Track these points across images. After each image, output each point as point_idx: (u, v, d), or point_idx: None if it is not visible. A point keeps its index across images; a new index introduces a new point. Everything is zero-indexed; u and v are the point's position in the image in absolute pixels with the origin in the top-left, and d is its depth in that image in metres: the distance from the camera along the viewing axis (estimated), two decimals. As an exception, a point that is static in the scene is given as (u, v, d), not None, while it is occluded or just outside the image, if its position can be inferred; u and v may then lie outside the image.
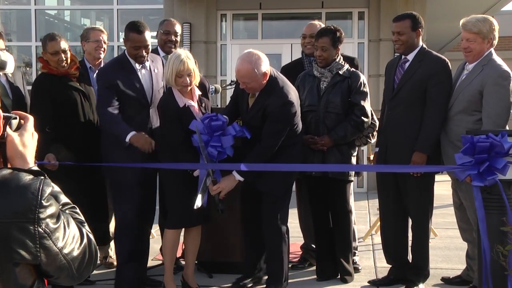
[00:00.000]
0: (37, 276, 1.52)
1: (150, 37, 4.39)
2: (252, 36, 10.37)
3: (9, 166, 1.58)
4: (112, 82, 4.27)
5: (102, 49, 5.07)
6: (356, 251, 5.17)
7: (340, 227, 4.72)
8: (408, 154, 4.35)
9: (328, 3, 9.89)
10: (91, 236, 1.61)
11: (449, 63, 4.43)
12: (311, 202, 4.82)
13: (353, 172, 4.80)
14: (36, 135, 1.65)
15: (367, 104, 4.66)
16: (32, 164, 1.59)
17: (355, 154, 4.82)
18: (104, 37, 5.11)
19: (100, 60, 5.08)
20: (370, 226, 6.63)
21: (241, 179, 4.22)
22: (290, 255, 5.41)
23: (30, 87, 4.76)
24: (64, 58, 4.54)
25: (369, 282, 4.72)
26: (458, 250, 5.60)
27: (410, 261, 4.61)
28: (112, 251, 5.13)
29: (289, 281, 4.64)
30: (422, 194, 4.44)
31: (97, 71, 5.01)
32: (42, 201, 1.47)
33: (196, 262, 4.65)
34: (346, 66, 4.72)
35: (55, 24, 12.65)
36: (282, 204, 4.40)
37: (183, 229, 4.45)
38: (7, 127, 1.57)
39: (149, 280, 4.66)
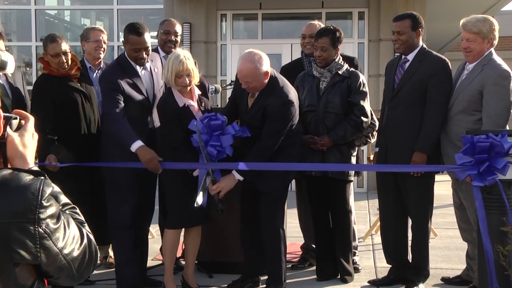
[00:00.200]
0: (37, 276, 1.52)
1: (150, 38, 4.37)
2: (252, 36, 10.37)
3: (9, 166, 1.58)
4: (115, 84, 4.23)
5: (102, 49, 5.07)
6: (356, 251, 5.17)
7: (340, 227, 4.72)
8: (408, 154, 4.35)
9: (328, 3, 9.89)
10: (91, 236, 1.61)
11: (449, 63, 4.43)
12: (311, 202, 4.82)
13: (353, 172, 4.80)
14: (36, 136, 1.65)
15: (366, 104, 4.66)
16: (32, 164, 1.59)
17: (355, 154, 4.82)
18: (104, 37, 5.10)
19: (100, 60, 5.08)
20: (370, 226, 6.63)
21: (241, 178, 4.22)
22: (290, 255, 5.42)
23: (30, 87, 4.76)
24: (65, 60, 4.55)
25: (369, 282, 4.72)
26: (458, 250, 5.60)
27: (410, 261, 4.61)
28: (112, 251, 5.13)
29: (289, 281, 4.65)
30: (422, 194, 4.44)
31: (97, 71, 5.03)
32: (43, 201, 1.47)
33: (196, 262, 4.65)
34: (346, 66, 4.72)
35: (55, 24, 12.65)
36: (280, 204, 4.41)
37: (183, 229, 4.45)
38: (8, 127, 1.57)
39: (149, 280, 4.66)
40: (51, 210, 1.48)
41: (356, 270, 4.95)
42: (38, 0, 11.41)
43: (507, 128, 4.15)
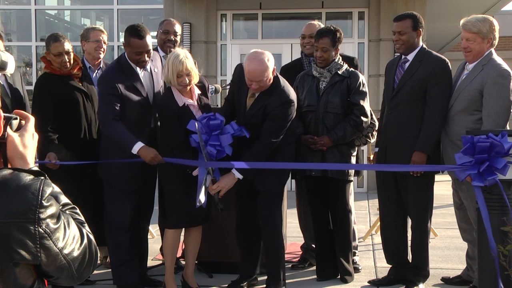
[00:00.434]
0: (37, 276, 1.52)
1: (151, 39, 4.35)
2: (252, 36, 10.37)
3: (9, 166, 1.58)
4: (114, 88, 4.21)
5: (102, 49, 5.07)
6: (356, 251, 5.17)
7: (340, 227, 4.72)
8: (408, 154, 4.35)
9: (328, 3, 9.89)
10: (91, 236, 1.61)
11: (449, 63, 4.43)
12: (311, 202, 4.82)
13: (353, 172, 4.80)
14: (36, 136, 1.65)
15: (366, 104, 4.66)
16: (32, 164, 1.59)
17: (354, 154, 4.82)
18: (104, 37, 5.10)
19: (99, 60, 5.08)
20: (370, 226, 6.63)
21: (240, 177, 4.23)
22: (290, 255, 5.43)
23: (29, 87, 4.76)
24: (68, 60, 4.57)
25: (369, 282, 4.72)
26: (458, 250, 5.60)
27: (410, 261, 4.61)
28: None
29: (289, 281, 4.65)
30: (422, 194, 4.44)
31: (97, 71, 5.02)
32: (43, 201, 1.47)
33: (196, 262, 4.65)
34: (345, 66, 4.72)
35: (55, 24, 12.65)
36: (279, 203, 4.43)
37: (183, 229, 4.45)
38: (8, 128, 1.57)
39: (149, 280, 4.66)
40: (51, 210, 1.48)
41: (356, 270, 4.95)
42: (38, 0, 11.41)
43: (507, 127, 4.15)
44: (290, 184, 7.58)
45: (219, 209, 4.24)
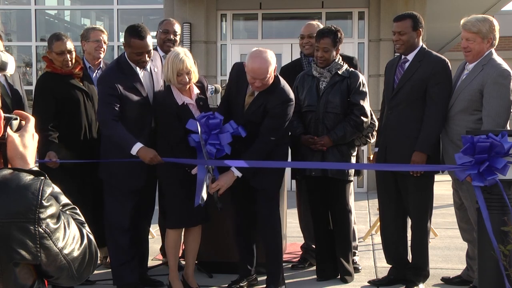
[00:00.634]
0: (37, 276, 1.52)
1: (151, 39, 4.34)
2: (252, 36, 10.37)
3: (9, 166, 1.58)
4: (113, 88, 4.20)
5: (102, 49, 5.07)
6: (356, 251, 5.17)
7: (340, 227, 4.72)
8: (408, 154, 4.36)
9: (328, 3, 9.89)
10: (91, 236, 1.61)
11: (449, 63, 4.43)
12: (311, 202, 4.82)
13: (353, 172, 4.79)
14: (36, 136, 1.65)
15: (366, 104, 4.66)
16: (32, 164, 1.59)
17: (354, 154, 4.82)
18: (104, 37, 5.11)
19: (99, 60, 5.09)
20: (370, 226, 6.63)
21: (240, 175, 4.23)
22: (290, 255, 5.43)
23: (29, 87, 4.77)
24: (69, 59, 4.58)
25: (369, 282, 4.72)
26: (458, 250, 5.60)
27: (410, 261, 4.61)
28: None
29: (289, 281, 4.65)
30: (422, 194, 4.44)
31: (97, 71, 5.03)
32: (43, 201, 1.47)
33: (196, 262, 4.65)
34: (345, 66, 4.72)
35: (55, 24, 12.64)
36: (277, 202, 4.44)
37: (184, 229, 4.46)
38: (8, 128, 1.57)
39: (149, 280, 4.66)
40: (51, 210, 1.48)
41: (356, 270, 4.95)
42: (38, 0, 11.41)
43: (508, 127, 4.15)
44: (290, 184, 7.59)
45: (218, 207, 4.25)
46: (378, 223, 5.30)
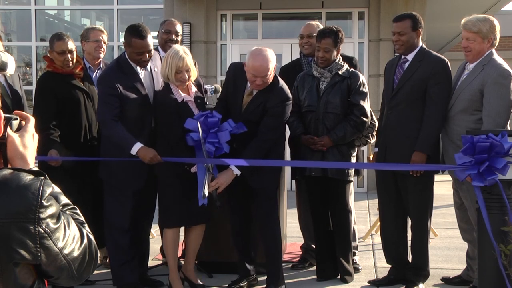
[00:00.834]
0: (37, 276, 1.52)
1: (152, 39, 4.33)
2: (252, 36, 10.37)
3: (9, 166, 1.58)
4: (113, 88, 4.20)
5: (102, 49, 5.08)
6: (356, 251, 5.17)
7: (340, 227, 4.72)
8: (407, 154, 4.36)
9: (328, 3, 9.89)
10: (91, 236, 1.61)
11: (449, 63, 4.43)
12: (311, 202, 4.82)
13: (353, 172, 4.79)
14: (36, 136, 1.65)
15: (366, 104, 4.66)
16: (32, 165, 1.59)
17: (354, 154, 4.82)
18: (104, 37, 5.11)
19: (99, 60, 5.09)
20: (370, 226, 6.63)
21: (239, 172, 4.24)
22: (290, 255, 5.43)
23: (29, 87, 4.78)
24: (70, 59, 4.59)
25: (369, 282, 4.72)
26: (458, 250, 5.60)
27: (410, 261, 4.61)
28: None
29: (289, 281, 4.66)
30: (422, 194, 4.44)
31: (97, 71, 5.03)
32: (43, 201, 1.47)
33: (196, 262, 4.65)
34: (346, 66, 4.72)
35: (55, 24, 12.65)
36: (275, 202, 4.45)
37: (184, 228, 4.45)
38: (8, 128, 1.57)
39: (149, 280, 4.66)
40: (51, 210, 1.48)
41: (356, 270, 4.95)
42: (38, 0, 11.41)
43: (508, 127, 4.15)
44: (290, 184, 7.58)
45: (217, 206, 4.25)
46: (378, 223, 5.30)
